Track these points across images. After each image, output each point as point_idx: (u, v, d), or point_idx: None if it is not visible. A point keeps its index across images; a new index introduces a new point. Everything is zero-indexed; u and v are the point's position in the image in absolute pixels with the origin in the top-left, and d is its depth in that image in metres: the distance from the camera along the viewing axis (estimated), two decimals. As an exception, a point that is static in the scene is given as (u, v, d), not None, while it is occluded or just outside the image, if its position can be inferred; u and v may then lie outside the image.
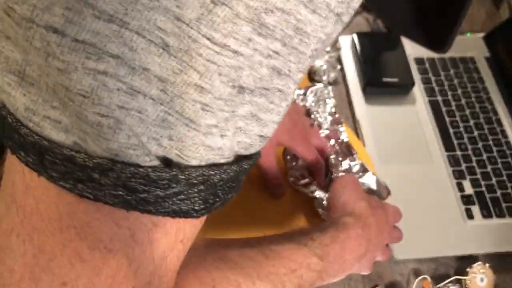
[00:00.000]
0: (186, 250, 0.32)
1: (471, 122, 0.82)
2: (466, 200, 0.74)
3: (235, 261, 0.42)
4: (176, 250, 0.31)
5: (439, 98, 0.84)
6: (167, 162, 0.26)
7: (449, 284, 0.65)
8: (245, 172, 0.31)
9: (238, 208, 0.63)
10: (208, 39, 0.23)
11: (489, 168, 0.77)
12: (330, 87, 0.76)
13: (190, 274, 0.38)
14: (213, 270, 0.40)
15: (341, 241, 0.51)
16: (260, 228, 0.63)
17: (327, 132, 0.71)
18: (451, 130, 0.80)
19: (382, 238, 0.57)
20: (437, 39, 0.48)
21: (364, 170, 0.67)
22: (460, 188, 0.75)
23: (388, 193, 0.68)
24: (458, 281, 0.65)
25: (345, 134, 0.71)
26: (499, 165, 0.78)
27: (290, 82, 0.28)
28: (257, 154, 0.31)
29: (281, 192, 0.68)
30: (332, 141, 0.70)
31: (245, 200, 0.64)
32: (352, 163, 0.68)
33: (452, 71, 0.87)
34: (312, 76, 0.80)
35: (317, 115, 0.72)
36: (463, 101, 0.84)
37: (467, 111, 0.83)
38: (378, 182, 0.67)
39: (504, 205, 0.74)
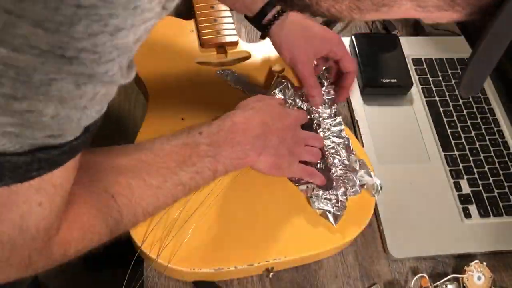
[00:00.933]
0: (52, 207, 0.36)
1: (469, 122, 0.83)
2: (464, 199, 0.74)
3: (125, 166, 0.47)
4: (36, 213, 0.35)
5: (437, 98, 0.84)
6: None
7: (447, 283, 0.66)
8: (46, 157, 0.33)
9: (239, 205, 0.64)
10: None
11: (486, 167, 0.78)
12: (328, 88, 0.76)
13: (83, 190, 0.42)
14: (104, 178, 0.44)
15: (227, 127, 0.57)
16: (261, 226, 0.63)
17: (326, 132, 0.71)
18: (448, 130, 0.81)
19: (282, 125, 0.63)
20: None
21: (362, 167, 0.68)
22: (458, 187, 0.76)
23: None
24: (456, 279, 0.66)
25: (344, 134, 0.71)
26: (496, 165, 0.79)
27: None
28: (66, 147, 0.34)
29: (318, 100, 0.71)
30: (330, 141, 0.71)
31: (246, 198, 0.65)
32: (352, 159, 0.68)
33: (449, 72, 0.88)
34: (311, 76, 0.81)
35: (317, 115, 0.72)
36: (460, 102, 0.85)
37: (465, 112, 0.84)
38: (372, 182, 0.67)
39: (501, 204, 0.75)
